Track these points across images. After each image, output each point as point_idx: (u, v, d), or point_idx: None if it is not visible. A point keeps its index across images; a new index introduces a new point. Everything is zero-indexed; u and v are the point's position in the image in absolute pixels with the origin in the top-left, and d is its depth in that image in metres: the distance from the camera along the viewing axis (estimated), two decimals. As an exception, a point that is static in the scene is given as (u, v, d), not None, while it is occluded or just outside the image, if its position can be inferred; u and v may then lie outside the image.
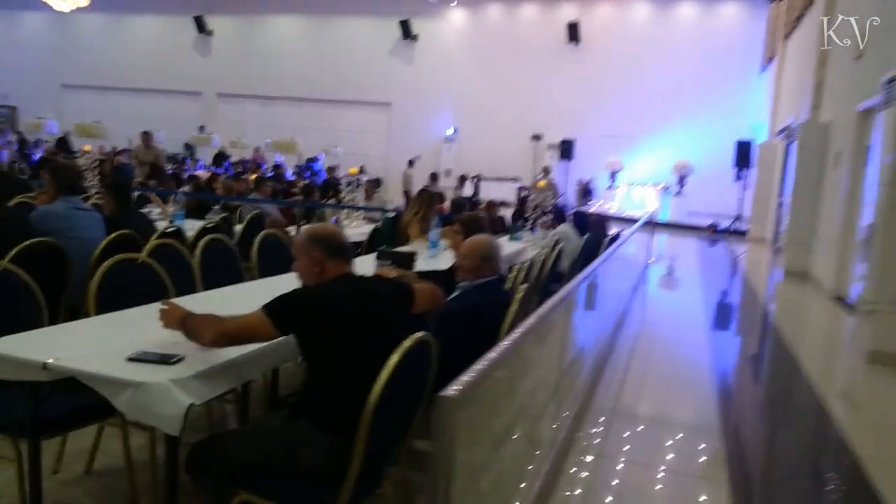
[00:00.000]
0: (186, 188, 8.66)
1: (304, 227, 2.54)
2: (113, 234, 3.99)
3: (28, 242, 3.40)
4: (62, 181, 4.12)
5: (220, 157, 15.93)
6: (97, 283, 2.88)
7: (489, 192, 15.13)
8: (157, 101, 19.38)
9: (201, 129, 18.13)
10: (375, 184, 10.21)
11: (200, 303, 2.91)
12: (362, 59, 18.84)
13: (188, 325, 2.23)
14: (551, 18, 18.07)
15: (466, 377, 1.60)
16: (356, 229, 6.61)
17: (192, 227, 5.48)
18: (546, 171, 16.24)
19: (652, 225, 11.76)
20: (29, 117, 17.90)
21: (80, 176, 4.94)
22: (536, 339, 2.67)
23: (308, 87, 19.02)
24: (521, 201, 10.85)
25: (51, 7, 14.90)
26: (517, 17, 18.50)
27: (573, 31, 17.84)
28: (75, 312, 3.54)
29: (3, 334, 2.28)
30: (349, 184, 9.10)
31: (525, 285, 3.31)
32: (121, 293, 2.93)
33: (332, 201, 8.76)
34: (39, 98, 19.05)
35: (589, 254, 6.13)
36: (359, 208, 7.97)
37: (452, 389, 1.51)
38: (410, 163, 16.23)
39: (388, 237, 5.88)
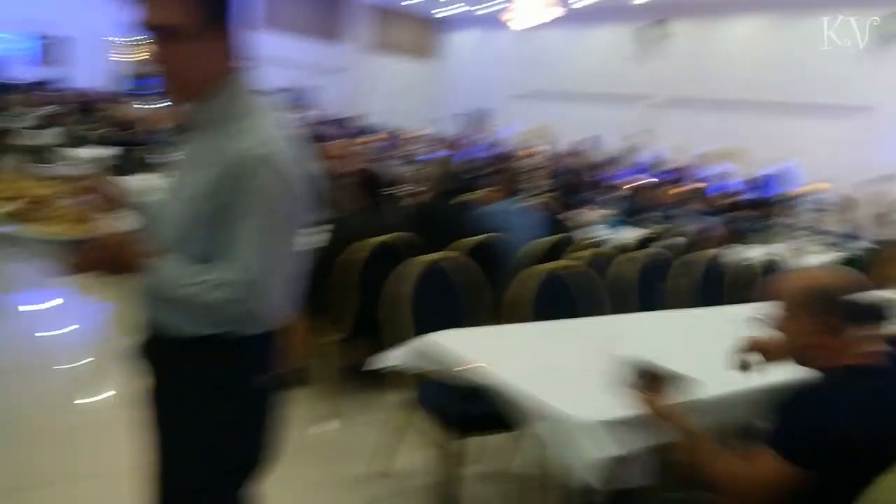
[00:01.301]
0: (614, 195, 8.60)
1: (800, 272, 1.76)
2: (548, 238, 3.98)
3: (468, 240, 3.55)
4: (510, 183, 4.31)
5: (653, 165, 15.75)
6: (531, 289, 2.82)
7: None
8: (599, 108, 20.11)
9: (636, 135, 18.20)
10: (848, 204, 8.54)
11: (628, 326, 2.61)
12: (829, 58, 16.39)
13: (688, 437, 1.63)
14: None
15: None
16: (807, 258, 5.52)
17: (622, 236, 5.31)
18: None
19: None
20: (488, 120, 20.48)
21: (523, 179, 5.15)
22: None
23: (762, 92, 17.33)
24: None
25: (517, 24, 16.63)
26: None
27: None
28: (500, 310, 3.61)
29: (437, 327, 2.32)
30: (818, 202, 7.79)
31: None
32: (550, 301, 2.83)
33: (773, 220, 7.69)
34: (495, 106, 21.55)
35: None
36: (820, 232, 6.76)
37: None
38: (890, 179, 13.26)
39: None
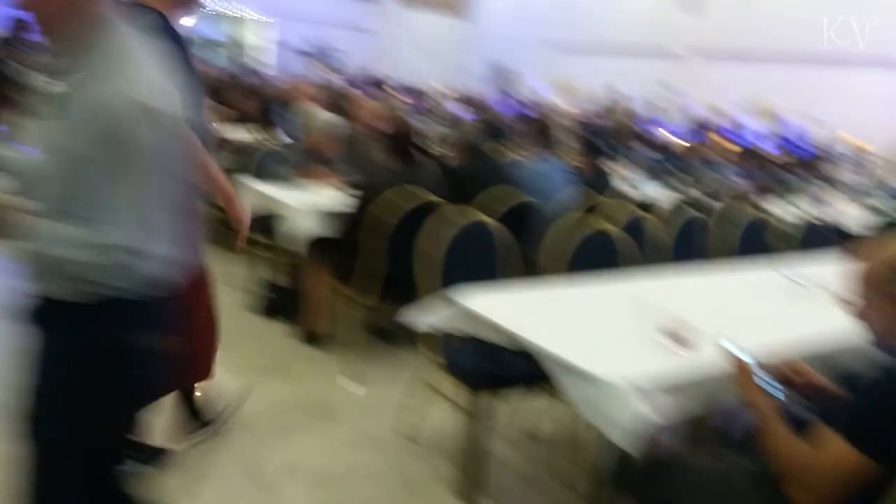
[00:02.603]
0: (647, 151, 8.39)
1: (878, 247, 1.50)
2: (581, 195, 3.90)
3: (498, 195, 3.49)
4: (540, 140, 4.22)
5: (687, 120, 15.32)
6: (564, 247, 2.76)
7: None
8: (633, 63, 19.45)
9: (667, 89, 17.48)
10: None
11: (663, 284, 2.55)
12: (879, 10, 15.47)
13: (762, 417, 1.55)
14: None
15: None
16: (850, 217, 5.32)
17: (656, 193, 5.21)
18: None
19: None
20: (518, 77, 20.00)
21: (554, 135, 5.03)
22: None
23: (803, 47, 16.47)
24: None
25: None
26: None
27: None
28: (530, 265, 3.56)
29: (466, 285, 2.27)
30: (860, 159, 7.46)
31: None
32: (584, 260, 2.78)
33: (815, 177, 7.42)
34: (527, 61, 20.94)
35: None
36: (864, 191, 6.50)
37: None
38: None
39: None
